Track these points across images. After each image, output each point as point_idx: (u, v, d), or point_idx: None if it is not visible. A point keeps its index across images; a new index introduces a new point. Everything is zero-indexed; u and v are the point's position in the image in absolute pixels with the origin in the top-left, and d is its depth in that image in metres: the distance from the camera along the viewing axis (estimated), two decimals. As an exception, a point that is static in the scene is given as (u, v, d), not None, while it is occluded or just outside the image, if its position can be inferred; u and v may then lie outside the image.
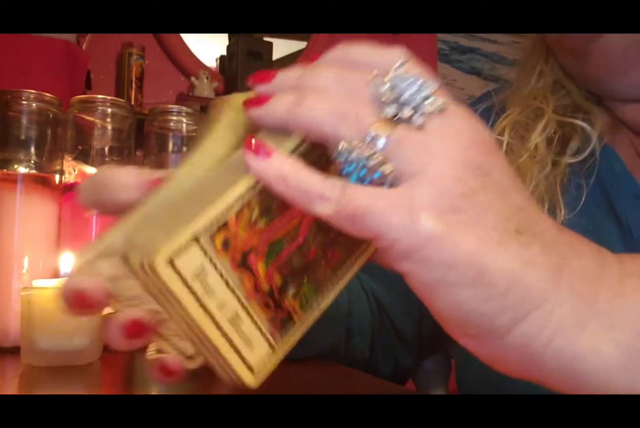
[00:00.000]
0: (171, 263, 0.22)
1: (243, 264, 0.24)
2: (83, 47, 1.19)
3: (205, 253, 0.23)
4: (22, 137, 0.67)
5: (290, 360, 0.51)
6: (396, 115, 0.24)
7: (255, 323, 0.24)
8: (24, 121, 0.67)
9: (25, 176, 0.62)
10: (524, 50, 0.56)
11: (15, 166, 0.66)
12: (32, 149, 0.67)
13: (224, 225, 0.23)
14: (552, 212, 0.48)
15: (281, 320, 0.25)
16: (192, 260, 0.22)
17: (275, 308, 0.25)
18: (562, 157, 0.50)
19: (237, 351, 0.23)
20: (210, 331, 0.23)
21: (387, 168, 0.23)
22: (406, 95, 0.24)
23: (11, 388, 0.44)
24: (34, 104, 0.67)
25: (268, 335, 0.25)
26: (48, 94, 0.68)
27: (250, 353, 0.24)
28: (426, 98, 0.24)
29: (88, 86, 1.07)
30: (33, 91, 0.67)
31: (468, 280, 0.23)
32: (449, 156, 0.24)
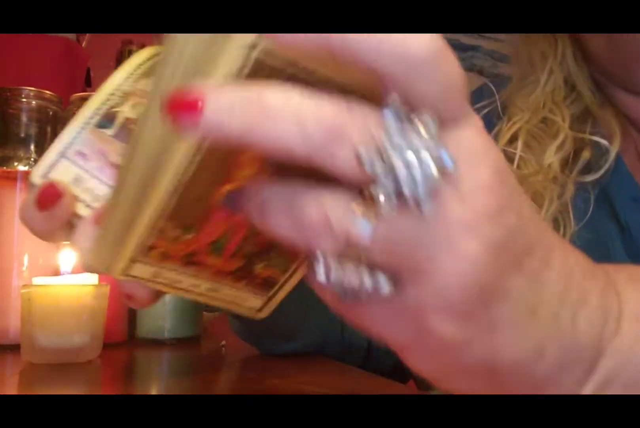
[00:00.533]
0: (127, 275, 0.25)
1: (191, 263, 0.26)
2: (83, 45, 1.19)
3: (151, 264, 0.26)
4: (22, 134, 0.66)
5: (289, 355, 0.52)
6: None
7: (232, 287, 0.28)
8: (24, 118, 0.67)
9: (25, 173, 0.62)
10: (524, 44, 0.54)
11: (15, 164, 0.66)
12: (32, 147, 0.67)
13: (152, 247, 0.25)
14: (561, 229, 0.47)
15: (262, 281, 0.28)
16: (144, 270, 0.25)
17: (249, 277, 0.28)
18: (573, 171, 0.48)
19: (235, 303, 0.28)
20: (198, 299, 0.27)
21: (381, 284, 0.19)
22: (405, 180, 0.17)
23: (11, 385, 0.44)
24: (33, 102, 0.67)
25: (252, 292, 0.28)
26: (48, 92, 0.68)
27: (245, 303, 0.28)
28: (432, 174, 0.17)
29: (88, 84, 1.07)
30: (33, 89, 0.67)
31: (481, 383, 0.23)
32: (459, 248, 0.18)
